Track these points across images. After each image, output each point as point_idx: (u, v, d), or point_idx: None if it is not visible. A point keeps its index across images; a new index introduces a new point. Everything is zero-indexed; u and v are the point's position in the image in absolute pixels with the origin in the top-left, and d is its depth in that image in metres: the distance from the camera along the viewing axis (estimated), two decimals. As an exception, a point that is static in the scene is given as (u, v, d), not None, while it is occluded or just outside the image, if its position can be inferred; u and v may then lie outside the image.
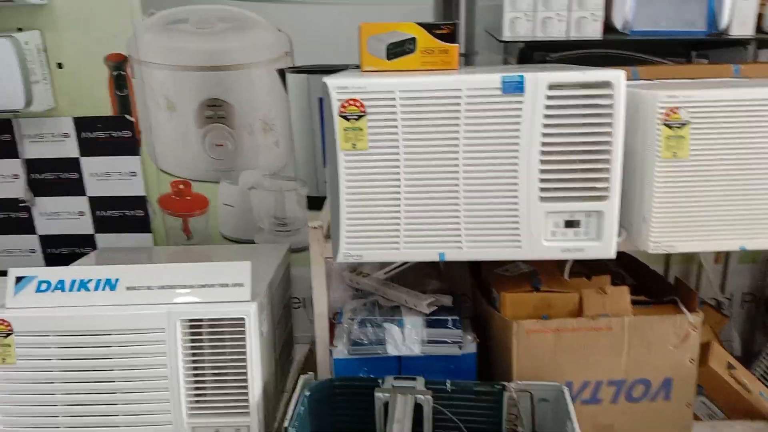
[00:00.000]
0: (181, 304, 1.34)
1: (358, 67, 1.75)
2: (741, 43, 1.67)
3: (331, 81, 1.17)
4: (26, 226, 2.04)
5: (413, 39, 1.40)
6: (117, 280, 1.36)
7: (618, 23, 1.54)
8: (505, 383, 1.33)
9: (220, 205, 2.01)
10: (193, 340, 1.34)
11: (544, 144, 1.18)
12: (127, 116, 1.93)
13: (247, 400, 1.35)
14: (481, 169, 1.20)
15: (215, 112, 1.91)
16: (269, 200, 1.99)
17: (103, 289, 1.36)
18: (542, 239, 1.23)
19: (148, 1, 1.82)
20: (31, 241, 2.06)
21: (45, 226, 2.04)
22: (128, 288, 1.36)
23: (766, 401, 1.54)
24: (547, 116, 1.17)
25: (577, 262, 1.44)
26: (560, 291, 1.41)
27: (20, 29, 1.84)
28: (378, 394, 1.30)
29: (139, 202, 2.00)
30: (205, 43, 1.85)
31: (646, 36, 1.53)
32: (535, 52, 1.77)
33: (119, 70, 1.89)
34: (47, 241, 2.06)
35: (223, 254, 1.86)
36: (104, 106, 1.92)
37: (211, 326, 1.34)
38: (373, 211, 1.23)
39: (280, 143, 1.94)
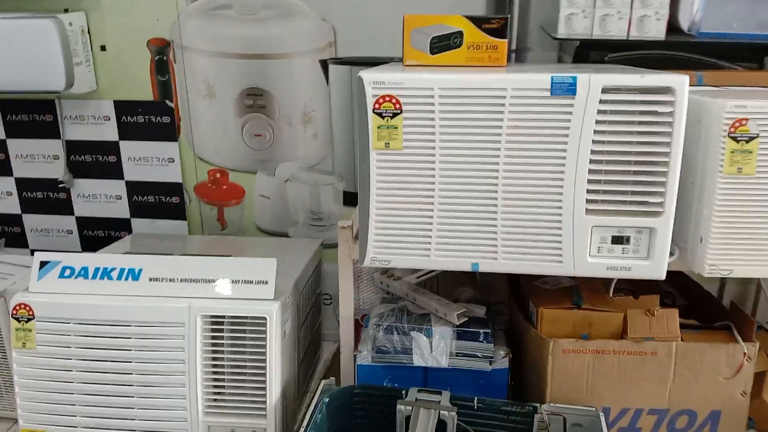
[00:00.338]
0: (203, 299, 1.29)
1: (401, 59, 1.68)
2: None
3: (367, 75, 1.10)
4: (64, 207, 2.04)
5: (460, 33, 1.32)
6: (140, 270, 1.33)
7: (684, 24, 1.42)
8: (537, 405, 1.24)
9: (256, 196, 1.97)
10: (213, 337, 1.30)
11: (594, 152, 1.08)
12: (168, 102, 1.90)
13: (265, 402, 1.31)
14: (523, 175, 1.11)
15: (255, 101, 1.87)
16: (305, 193, 1.94)
17: (126, 279, 1.33)
18: (586, 255, 1.14)
19: (193, -15, 1.79)
20: (69, 222, 2.06)
21: (82, 208, 2.04)
22: (151, 279, 1.33)
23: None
24: (599, 122, 1.07)
25: (624, 279, 1.33)
26: (603, 309, 1.31)
27: (66, 10, 1.83)
28: (400, 407, 1.23)
29: (176, 188, 1.98)
30: (247, 30, 1.80)
31: (714, 38, 1.41)
32: (593, 51, 1.65)
33: (161, 55, 1.87)
34: (84, 222, 2.06)
35: (255, 246, 1.82)
36: (145, 91, 1.90)
37: (232, 323, 1.29)
38: (404, 214, 1.16)
39: (318, 136, 1.88)
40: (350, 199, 1.93)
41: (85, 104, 1.93)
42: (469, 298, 1.46)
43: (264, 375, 1.29)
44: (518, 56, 1.71)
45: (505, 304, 1.60)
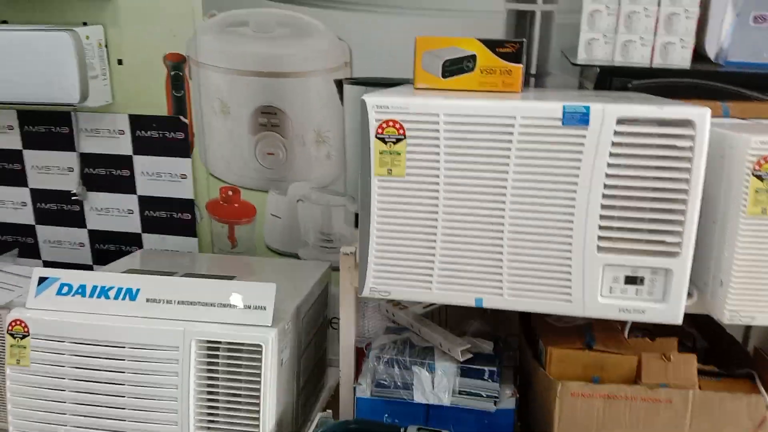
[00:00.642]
0: (199, 322, 1.26)
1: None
2: None
3: (370, 99, 1.06)
4: (77, 220, 2.03)
5: (473, 56, 1.28)
6: (138, 290, 1.30)
7: (710, 52, 1.35)
8: (543, 450, 1.18)
9: (267, 215, 1.94)
10: (208, 362, 1.26)
11: (607, 186, 1.03)
12: (182, 117, 1.89)
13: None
14: (531, 208, 1.06)
15: (269, 119, 1.84)
16: (316, 214, 1.90)
17: (123, 299, 1.30)
18: (597, 295, 1.07)
19: (211, 1, 1.77)
20: (81, 235, 2.05)
21: (95, 221, 2.03)
22: (148, 300, 1.29)
23: None
24: (613, 154, 1.01)
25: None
26: (616, 352, 1.24)
27: (85, 23, 1.83)
28: (397, 446, 1.18)
29: (187, 205, 1.96)
30: (263, 48, 1.78)
31: (742, 68, 1.34)
32: (616, 78, 1.59)
33: (177, 70, 1.86)
34: (96, 236, 2.05)
35: (262, 267, 1.78)
36: (160, 106, 1.89)
37: (228, 349, 1.25)
38: (405, 244, 1.11)
39: (332, 156, 1.84)
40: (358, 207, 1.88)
41: (100, 117, 1.93)
42: (477, 332, 1.40)
43: (258, 404, 1.25)
44: (538, 81, 1.66)
45: (516, 334, 1.53)
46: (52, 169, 2.00)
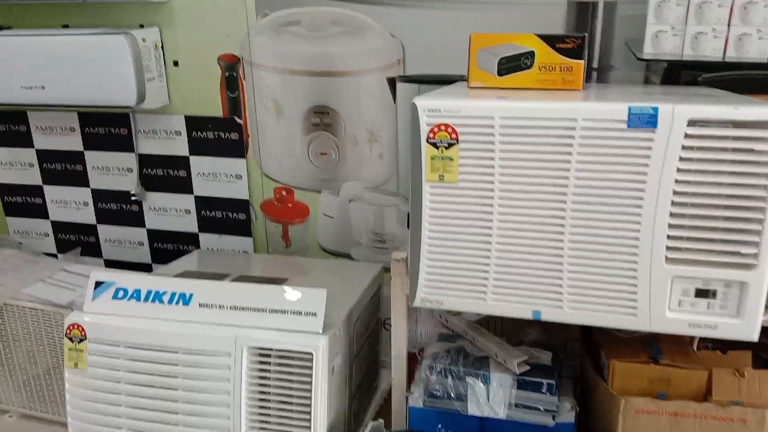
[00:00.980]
0: (250, 328, 1.25)
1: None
2: None
3: (421, 101, 1.02)
4: (136, 220, 2.07)
5: (531, 53, 1.22)
6: (191, 295, 1.30)
7: (792, 42, 1.24)
8: (605, 469, 1.12)
9: (320, 215, 1.93)
10: (260, 369, 1.25)
11: (676, 192, 0.95)
12: (237, 118, 1.89)
13: (310, 440, 1.24)
14: (593, 216, 0.99)
15: (322, 119, 1.82)
16: (368, 214, 1.88)
17: (177, 303, 1.30)
18: (665, 309, 1.00)
19: (264, 1, 1.76)
20: (140, 234, 2.09)
21: (153, 220, 2.07)
22: (201, 305, 1.29)
23: None
24: (683, 159, 0.94)
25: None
26: (684, 366, 1.16)
27: (142, 26, 1.85)
28: (451, 460, 1.14)
29: (243, 205, 1.97)
30: (315, 48, 1.76)
31: (829, 59, 1.23)
32: (684, 71, 1.49)
33: (231, 71, 1.86)
34: (154, 235, 2.08)
35: (314, 268, 1.77)
36: (215, 107, 1.89)
37: (279, 356, 1.24)
38: (458, 253, 1.06)
39: (384, 156, 1.81)
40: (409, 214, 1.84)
41: (157, 119, 1.95)
42: (535, 341, 1.35)
43: (309, 413, 1.23)
44: (600, 75, 1.57)
45: (579, 342, 1.46)
46: (112, 170, 2.04)
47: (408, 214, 1.83)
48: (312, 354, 1.20)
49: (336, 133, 1.82)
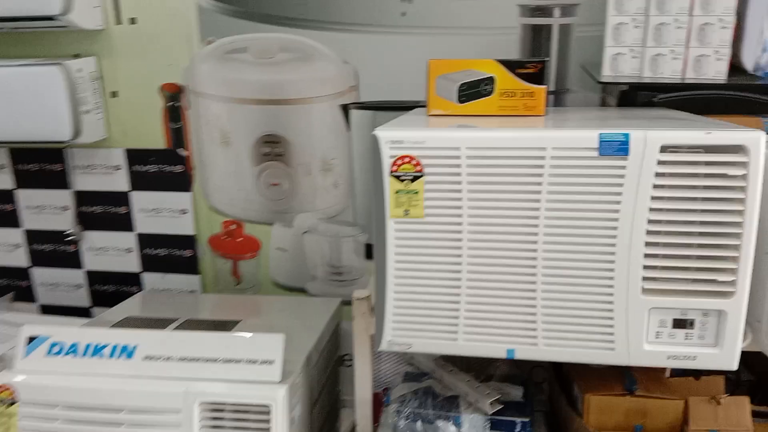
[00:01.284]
0: (202, 381, 1.15)
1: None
2: None
3: (383, 133, 0.96)
4: (73, 261, 1.93)
5: (491, 79, 1.18)
6: (135, 347, 1.20)
7: (748, 64, 1.24)
8: None
9: (273, 249, 1.84)
10: (213, 426, 1.14)
11: (651, 221, 0.91)
12: (181, 150, 1.79)
13: (270, 499, 1.14)
14: (566, 248, 0.95)
15: (272, 148, 1.74)
16: (324, 246, 1.80)
17: (120, 357, 1.19)
18: (643, 341, 0.96)
19: (207, 28, 1.68)
20: (78, 276, 1.96)
21: (92, 261, 1.94)
22: (146, 357, 1.19)
23: None
24: (657, 186, 0.90)
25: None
26: (660, 397, 1.13)
27: (77, 55, 1.74)
28: None
29: (189, 241, 1.86)
30: (264, 75, 1.69)
31: (784, 80, 1.23)
32: (640, 92, 1.48)
33: (174, 101, 1.76)
34: (94, 277, 1.95)
35: (269, 306, 1.67)
36: (157, 139, 1.79)
37: (234, 410, 1.14)
38: (427, 292, 1.00)
39: (339, 185, 1.74)
40: (372, 252, 1.77)
41: (95, 153, 1.83)
42: (505, 375, 1.29)
43: (269, 469, 1.14)
44: (557, 99, 1.55)
45: (544, 368, 1.42)
46: (47, 209, 1.91)
47: (366, 245, 1.77)
48: (270, 406, 1.11)
49: (288, 162, 1.74)
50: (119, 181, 1.84)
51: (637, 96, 1.46)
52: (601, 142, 0.90)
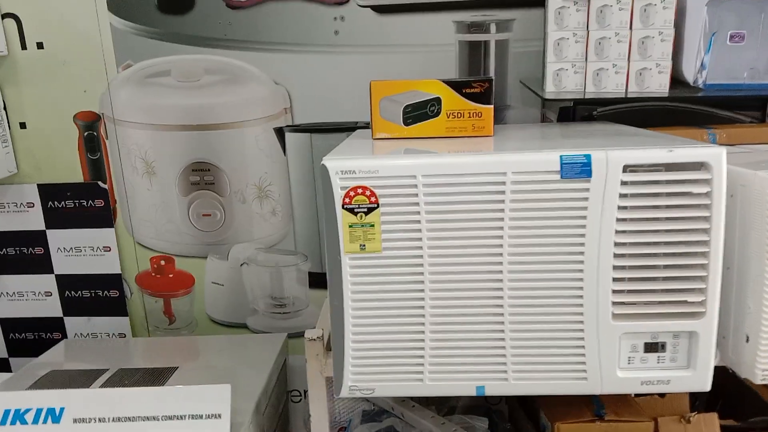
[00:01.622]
0: (141, 443, 1.04)
1: (368, 125, 1.48)
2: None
3: (332, 163, 0.88)
4: (-16, 309, 1.76)
5: (437, 100, 1.13)
6: (62, 410, 1.07)
7: (688, 76, 1.25)
8: None
9: (208, 284, 1.72)
10: (155, 492, 1.03)
11: (618, 244, 0.88)
12: (100, 183, 1.65)
13: None
14: (533, 276, 0.90)
15: (202, 176, 1.63)
16: (264, 278, 1.70)
17: (45, 422, 1.06)
18: (615, 368, 0.92)
19: (124, 51, 1.56)
20: (-9, 326, 1.78)
21: (6, 308, 1.76)
22: (75, 420, 1.06)
23: None
24: (621, 208, 0.87)
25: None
26: (630, 420, 1.10)
27: (-24, 84, 1.58)
28: None
29: (114, 280, 1.72)
30: (189, 99, 1.58)
31: (724, 90, 1.24)
32: (579, 106, 1.48)
33: (91, 131, 1.63)
34: (10, 324, 1.78)
35: (208, 348, 1.56)
36: (74, 172, 1.65)
37: (179, 472, 1.03)
38: (389, 331, 0.93)
39: (277, 212, 1.65)
40: (317, 280, 1.69)
41: (4, 190, 1.67)
42: (468, 405, 1.23)
43: None
44: (497, 115, 1.52)
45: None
46: (-49, 254, 1.72)
47: (309, 273, 1.69)
48: (221, 466, 1.01)
49: (220, 191, 1.64)
50: (33, 220, 1.69)
51: (577, 110, 1.46)
52: (562, 164, 0.86)
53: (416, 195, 0.88)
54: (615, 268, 0.89)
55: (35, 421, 1.06)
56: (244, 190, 1.64)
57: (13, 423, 1.06)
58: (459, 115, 1.13)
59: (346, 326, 0.93)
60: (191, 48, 1.55)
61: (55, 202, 1.68)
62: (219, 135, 1.60)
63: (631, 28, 1.22)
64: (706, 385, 0.93)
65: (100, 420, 1.06)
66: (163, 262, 1.71)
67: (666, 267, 0.89)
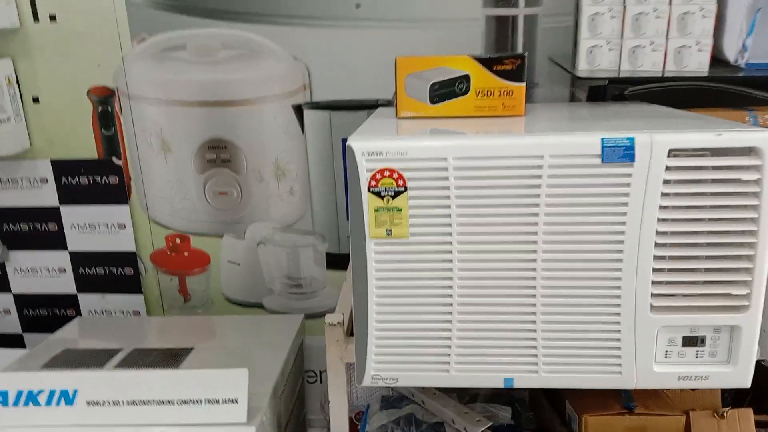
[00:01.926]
0: (155, 427, 1.01)
1: (389, 102, 1.43)
2: None
3: (358, 143, 0.84)
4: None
5: (466, 77, 1.08)
6: (75, 392, 1.04)
7: (730, 54, 1.18)
8: None
9: (224, 263, 1.69)
10: (171, 478, 1.01)
11: (660, 233, 0.83)
12: (115, 159, 1.62)
13: None
14: (568, 266, 0.85)
15: (218, 154, 1.59)
16: (281, 258, 1.67)
17: (58, 404, 1.04)
18: (652, 363, 0.88)
19: (139, 24, 1.51)
20: (5, 301, 1.76)
21: (20, 283, 1.75)
22: (89, 403, 1.04)
23: None
24: (665, 195, 0.82)
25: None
26: (660, 413, 1.06)
27: (-11, 57, 1.54)
28: None
29: (129, 258, 1.69)
30: (206, 75, 1.53)
31: (765, 71, 1.18)
32: (610, 85, 1.41)
33: (105, 106, 1.59)
34: (24, 301, 1.76)
35: (224, 329, 1.53)
36: (88, 148, 1.61)
37: (195, 459, 1.01)
38: (414, 320, 0.89)
39: (295, 191, 1.61)
40: (334, 261, 1.66)
41: (17, 165, 1.64)
42: (491, 394, 1.20)
43: None
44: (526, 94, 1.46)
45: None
46: (-36, 230, 1.70)
47: (327, 254, 1.65)
48: (239, 453, 0.99)
49: (236, 169, 1.60)
50: (47, 196, 1.66)
51: (607, 90, 1.40)
52: (603, 148, 0.81)
53: (446, 179, 0.84)
54: (656, 258, 0.84)
55: (48, 402, 1.04)
56: (262, 168, 1.60)
57: (26, 404, 1.04)
58: (489, 93, 1.08)
59: (369, 313, 0.89)
60: (208, 21, 1.50)
61: (69, 178, 1.65)
62: (236, 111, 1.56)
63: (670, 3, 1.15)
64: (746, 382, 0.89)
65: (114, 403, 1.04)
66: (178, 240, 1.68)
67: (708, 258, 0.84)
